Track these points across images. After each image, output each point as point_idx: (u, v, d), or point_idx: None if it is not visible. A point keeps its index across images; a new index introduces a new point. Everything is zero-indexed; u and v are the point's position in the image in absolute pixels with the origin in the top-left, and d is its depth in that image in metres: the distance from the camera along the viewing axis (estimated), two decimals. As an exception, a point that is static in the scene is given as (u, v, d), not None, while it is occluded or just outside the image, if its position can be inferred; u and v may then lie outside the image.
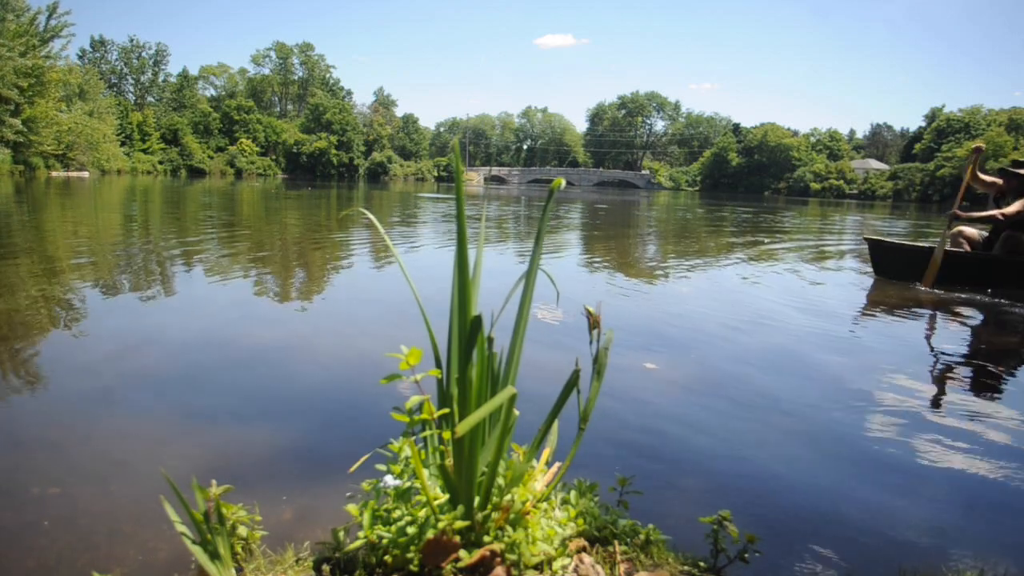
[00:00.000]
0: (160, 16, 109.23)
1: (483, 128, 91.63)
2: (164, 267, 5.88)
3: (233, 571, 1.28)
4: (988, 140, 47.19)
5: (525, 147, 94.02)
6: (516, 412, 1.18)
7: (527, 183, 66.88)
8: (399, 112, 78.79)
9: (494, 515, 1.20)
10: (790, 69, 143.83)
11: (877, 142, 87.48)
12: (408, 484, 1.23)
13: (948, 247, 5.91)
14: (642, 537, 1.38)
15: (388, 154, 65.93)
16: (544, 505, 1.29)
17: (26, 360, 2.98)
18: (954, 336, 4.44)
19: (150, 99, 63.52)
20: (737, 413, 2.56)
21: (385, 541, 1.18)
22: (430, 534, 1.15)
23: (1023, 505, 1.94)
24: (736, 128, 73.84)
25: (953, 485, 2.02)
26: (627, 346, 3.39)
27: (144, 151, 50.05)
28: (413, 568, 1.14)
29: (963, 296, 5.50)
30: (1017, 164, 6.14)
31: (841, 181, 59.81)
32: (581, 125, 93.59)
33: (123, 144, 46.77)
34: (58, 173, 36.28)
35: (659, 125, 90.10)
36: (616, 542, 1.35)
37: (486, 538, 1.18)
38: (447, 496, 1.20)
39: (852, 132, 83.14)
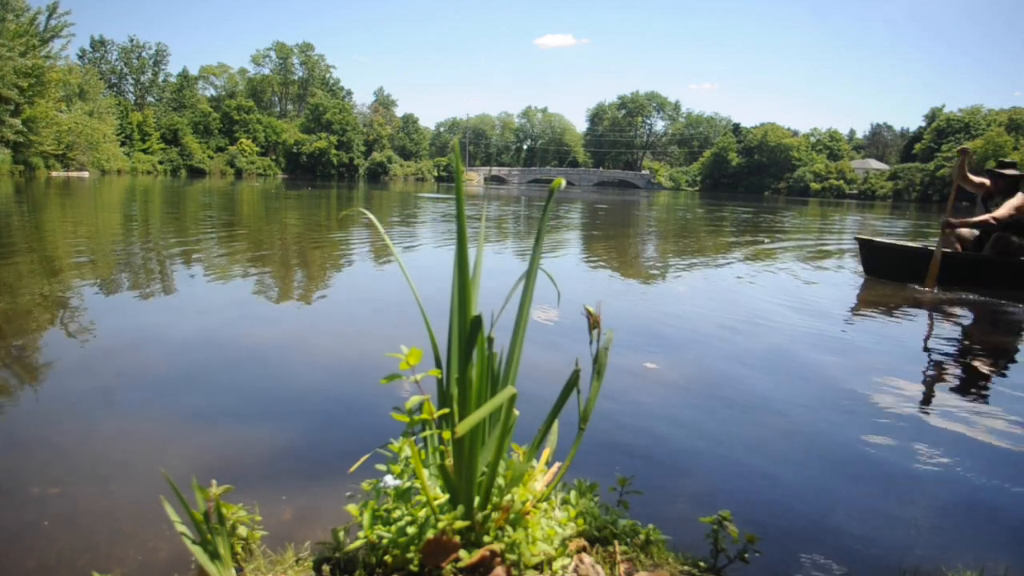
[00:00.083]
0: (160, 16, 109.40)
1: (483, 128, 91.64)
2: (164, 267, 5.89)
3: (233, 571, 1.28)
4: (988, 140, 47.25)
5: (525, 147, 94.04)
6: (516, 412, 1.18)
7: (527, 183, 66.88)
8: (399, 112, 78.93)
9: (494, 515, 1.20)
10: (790, 69, 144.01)
11: (877, 142, 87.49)
12: (408, 484, 1.23)
13: (944, 247, 5.95)
14: (642, 537, 1.38)
15: (388, 154, 65.93)
16: (544, 505, 1.29)
17: (26, 360, 2.98)
18: (948, 336, 4.44)
19: (150, 99, 63.54)
20: (736, 413, 2.56)
21: (385, 541, 1.18)
22: (430, 534, 1.15)
23: (1023, 505, 1.94)
24: (736, 128, 73.85)
25: (953, 485, 2.02)
26: (627, 346, 3.39)
27: (144, 151, 50.06)
28: (413, 568, 1.14)
29: (957, 296, 5.51)
30: (1003, 164, 6.19)
31: (841, 181, 59.81)
32: (581, 125, 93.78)
33: (123, 144, 46.78)
34: (58, 173, 36.28)
35: (659, 125, 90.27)
36: (616, 542, 1.35)
37: (486, 538, 1.18)
38: (447, 496, 1.20)
39: (852, 132, 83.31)
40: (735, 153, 68.93)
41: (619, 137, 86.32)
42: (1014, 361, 3.79)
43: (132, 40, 62.97)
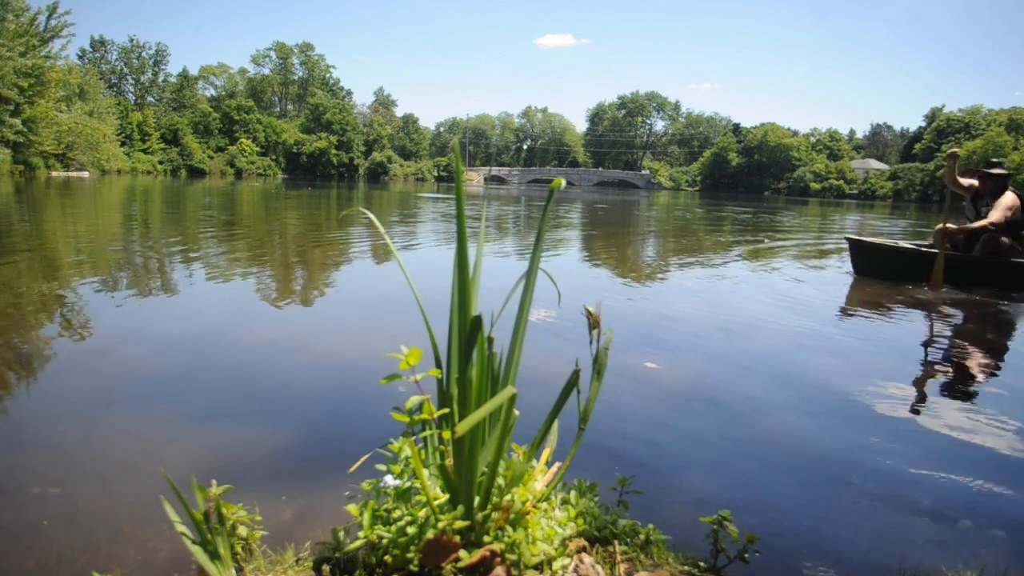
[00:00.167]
0: (160, 16, 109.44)
1: (483, 128, 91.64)
2: (164, 267, 5.89)
3: (233, 571, 1.28)
4: (988, 140, 47.19)
5: (525, 147, 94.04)
6: (516, 412, 1.18)
7: (527, 183, 66.86)
8: (399, 112, 78.94)
9: (494, 515, 1.20)
10: (790, 69, 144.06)
11: (877, 142, 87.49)
12: (408, 484, 1.23)
13: (934, 248, 6.10)
14: (642, 537, 1.38)
15: (388, 154, 65.93)
16: (544, 505, 1.29)
17: (26, 359, 2.98)
18: (945, 336, 4.43)
19: (150, 99, 63.54)
20: (737, 413, 2.56)
21: (385, 541, 1.18)
22: (430, 534, 1.15)
23: (1022, 504, 1.94)
24: (736, 128, 73.84)
25: (953, 485, 2.02)
26: (627, 346, 3.39)
27: (144, 151, 50.05)
28: (413, 568, 1.14)
29: (950, 296, 5.52)
30: (990, 164, 6.23)
31: (841, 181, 59.80)
32: (581, 125, 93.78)
33: (123, 144, 46.78)
34: (58, 173, 36.28)
35: (659, 125, 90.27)
36: (616, 542, 1.35)
37: (486, 538, 1.18)
38: (447, 496, 1.20)
39: (852, 132, 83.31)
40: (735, 153, 68.91)
41: (619, 137, 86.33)
42: (1008, 361, 3.79)
43: (132, 40, 63.05)
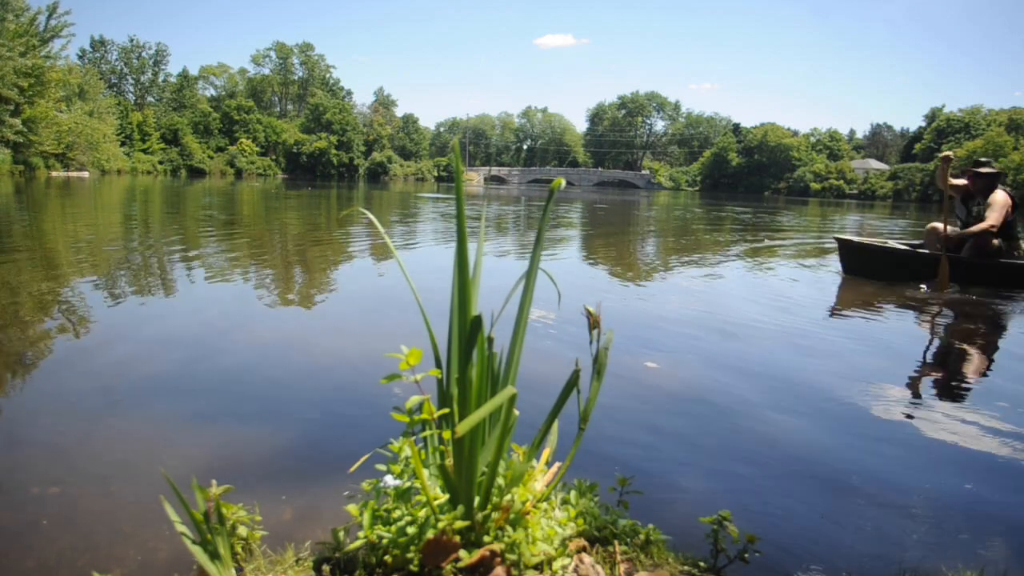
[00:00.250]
0: (160, 16, 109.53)
1: (483, 128, 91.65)
2: (164, 266, 5.89)
3: (233, 571, 1.28)
4: (988, 140, 47.18)
5: (525, 147, 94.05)
6: (516, 412, 1.18)
7: (527, 183, 66.86)
8: (399, 112, 79.01)
9: (494, 515, 1.20)
10: (790, 69, 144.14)
11: (877, 142, 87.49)
12: (408, 484, 1.23)
13: (926, 248, 6.15)
14: (642, 537, 1.38)
15: (388, 154, 65.93)
16: (544, 505, 1.29)
17: (26, 359, 2.98)
18: (943, 336, 4.43)
19: (150, 99, 63.56)
20: (737, 413, 2.56)
21: (385, 541, 1.18)
22: (430, 534, 1.15)
23: (1022, 504, 1.94)
24: (736, 128, 73.84)
25: (952, 485, 2.02)
26: (627, 345, 3.39)
27: (144, 151, 50.08)
28: (413, 568, 1.14)
29: (944, 296, 5.51)
30: (978, 164, 6.23)
31: (841, 181, 59.79)
32: (581, 125, 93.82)
33: (123, 144, 46.80)
34: (58, 173, 36.28)
35: (659, 125, 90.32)
36: (616, 542, 1.35)
37: (486, 538, 1.18)
38: (447, 496, 1.20)
39: (852, 132, 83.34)
40: (735, 153, 68.90)
41: (619, 137, 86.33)
42: (1000, 360, 3.78)
43: (132, 40, 63.10)
